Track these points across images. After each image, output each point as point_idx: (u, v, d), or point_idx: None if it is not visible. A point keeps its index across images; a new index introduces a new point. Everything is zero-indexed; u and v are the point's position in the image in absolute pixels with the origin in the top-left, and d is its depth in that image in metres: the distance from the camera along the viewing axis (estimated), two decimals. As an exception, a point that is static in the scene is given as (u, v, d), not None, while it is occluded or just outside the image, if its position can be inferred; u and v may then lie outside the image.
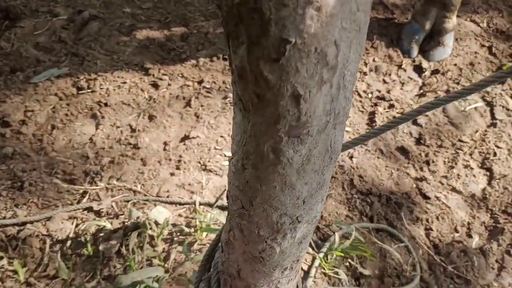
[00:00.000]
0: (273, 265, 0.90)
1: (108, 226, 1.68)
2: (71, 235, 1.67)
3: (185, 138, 2.00)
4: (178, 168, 1.89)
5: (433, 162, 2.00)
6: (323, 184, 0.74)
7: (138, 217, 1.69)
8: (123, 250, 1.61)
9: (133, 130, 2.01)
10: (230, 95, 2.14)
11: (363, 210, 1.82)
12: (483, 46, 2.53)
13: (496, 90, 2.30)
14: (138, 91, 2.17)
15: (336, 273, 1.61)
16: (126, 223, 1.70)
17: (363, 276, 1.65)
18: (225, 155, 1.94)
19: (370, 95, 2.27)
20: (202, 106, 2.12)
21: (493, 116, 2.20)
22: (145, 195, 1.80)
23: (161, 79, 2.22)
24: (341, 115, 0.60)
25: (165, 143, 1.98)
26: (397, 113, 2.19)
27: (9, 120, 1.98)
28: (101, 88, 2.15)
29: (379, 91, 2.29)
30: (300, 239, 0.86)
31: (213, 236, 1.67)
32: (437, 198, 1.89)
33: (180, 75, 2.25)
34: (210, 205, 1.78)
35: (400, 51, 2.44)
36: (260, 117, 0.56)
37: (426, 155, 2.03)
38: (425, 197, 1.89)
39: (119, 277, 1.50)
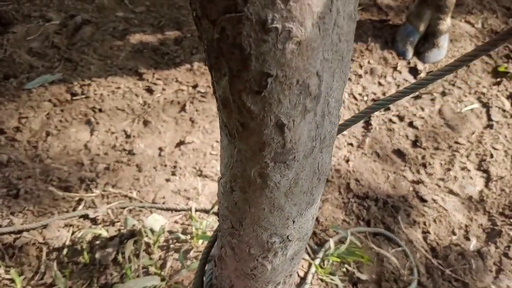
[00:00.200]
0: (265, 281, 0.89)
1: (104, 233, 1.67)
2: (67, 243, 1.66)
3: (180, 143, 2.00)
4: (173, 174, 1.89)
5: (429, 164, 2.00)
6: (312, 203, 0.74)
7: (134, 225, 1.68)
8: (120, 258, 1.61)
9: (128, 136, 2.00)
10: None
11: (360, 214, 1.82)
12: (478, 46, 2.52)
13: (492, 91, 2.29)
14: (132, 96, 2.16)
15: (333, 279, 1.61)
16: (122, 231, 1.69)
17: (361, 281, 1.64)
18: (220, 160, 1.94)
19: (365, 98, 2.26)
20: (197, 110, 2.11)
21: (489, 118, 2.19)
22: (141, 202, 1.80)
23: (155, 83, 2.21)
24: (327, 139, 0.59)
25: (160, 149, 1.97)
26: (393, 115, 2.18)
27: (3, 127, 1.97)
28: (95, 94, 2.14)
29: (375, 94, 2.28)
30: (292, 256, 0.86)
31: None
32: (434, 200, 1.88)
33: (175, 80, 2.24)
34: (206, 211, 1.77)
35: (395, 53, 2.43)
36: (245, 144, 0.56)
37: (423, 158, 2.02)
38: (422, 200, 1.89)
39: (115, 286, 1.50)
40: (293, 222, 0.73)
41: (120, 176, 1.86)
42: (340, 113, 0.61)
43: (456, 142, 2.08)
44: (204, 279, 1.10)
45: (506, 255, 1.74)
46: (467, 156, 2.04)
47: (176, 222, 1.75)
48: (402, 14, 2.64)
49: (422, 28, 2.40)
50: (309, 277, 1.61)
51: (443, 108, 2.22)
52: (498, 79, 2.36)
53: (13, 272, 1.55)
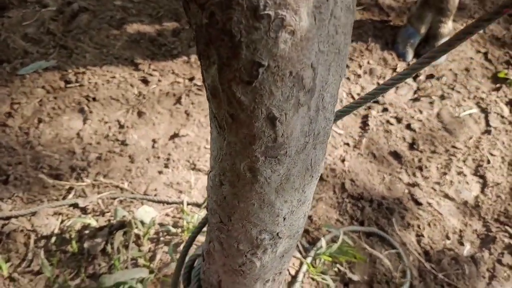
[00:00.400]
0: (254, 278, 0.87)
1: (94, 223, 1.65)
2: (56, 231, 1.64)
3: (175, 136, 1.97)
4: (166, 167, 1.86)
5: (426, 167, 1.98)
6: (304, 201, 0.72)
7: (124, 216, 1.66)
8: (108, 248, 1.59)
9: (121, 126, 1.98)
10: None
11: (353, 215, 1.80)
12: (478, 52, 2.50)
13: (491, 97, 2.27)
14: (127, 86, 2.13)
15: (324, 278, 1.60)
16: (112, 221, 1.67)
17: (352, 281, 1.63)
18: (214, 155, 1.91)
19: (364, 97, 2.24)
20: (192, 103, 2.09)
21: (487, 123, 2.17)
22: (132, 193, 1.77)
23: (151, 74, 2.19)
24: (321, 135, 0.57)
25: (154, 141, 1.95)
26: (391, 117, 2.16)
27: (-5, 112, 1.95)
28: (90, 82, 2.11)
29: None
30: (282, 253, 0.84)
31: (201, 238, 1.65)
32: (429, 204, 1.87)
33: (171, 72, 2.22)
34: (198, 205, 1.75)
35: (395, 54, 2.41)
36: (235, 137, 0.53)
37: (419, 161, 2.00)
38: (417, 203, 1.87)
39: (102, 277, 1.48)
40: (284, 219, 0.70)
41: (112, 166, 1.83)
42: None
43: (453, 147, 2.06)
44: (192, 274, 1.08)
45: (499, 261, 1.73)
46: (464, 161, 2.02)
47: (167, 215, 1.73)
48: (403, 15, 2.62)
49: (423, 30, 2.38)
50: (300, 275, 1.59)
51: (442, 112, 2.20)
52: (498, 85, 2.34)
53: (0, 258, 1.53)
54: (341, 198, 1.85)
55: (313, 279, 1.61)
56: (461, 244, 1.78)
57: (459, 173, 1.98)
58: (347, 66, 2.30)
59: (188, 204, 1.74)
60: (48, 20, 2.37)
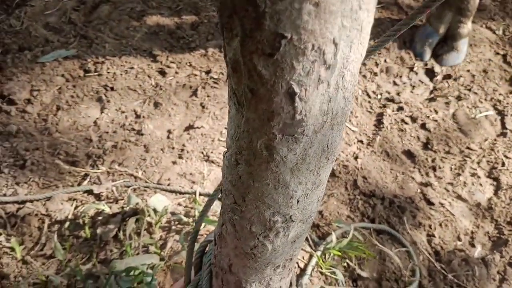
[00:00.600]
0: (264, 262, 0.88)
1: (107, 210, 1.68)
2: (69, 217, 1.67)
3: (190, 127, 1.99)
4: (180, 157, 1.88)
5: (439, 168, 1.97)
6: (318, 184, 0.72)
7: (137, 203, 1.68)
8: (121, 235, 1.61)
9: (137, 116, 2.00)
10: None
11: (365, 212, 1.80)
12: (497, 53, 2.48)
13: (508, 99, 2.25)
14: (145, 77, 2.16)
15: (333, 272, 1.60)
16: (125, 208, 1.69)
17: (361, 278, 1.63)
18: (228, 147, 1.93)
19: (379, 96, 2.23)
20: (208, 96, 2.10)
21: (503, 126, 2.15)
22: (146, 182, 1.80)
23: (168, 66, 2.21)
24: (339, 116, 0.58)
25: (169, 131, 1.97)
26: (406, 116, 2.15)
27: (14, 98, 1.98)
28: (108, 72, 2.14)
29: (389, 93, 2.25)
30: (294, 238, 0.84)
31: (211, 227, 1.66)
32: (442, 204, 1.86)
33: (188, 64, 2.24)
34: (210, 196, 1.76)
35: (412, 53, 2.40)
36: (254, 113, 0.54)
37: (433, 161, 1.99)
38: (429, 203, 1.86)
39: (114, 261, 1.50)
40: (298, 201, 0.71)
41: (127, 155, 1.86)
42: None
43: (468, 148, 2.05)
44: (204, 259, 1.09)
45: (511, 264, 1.71)
46: (478, 163, 2.00)
47: (179, 204, 1.75)
48: (422, 15, 2.60)
49: (442, 30, 2.37)
50: (309, 269, 1.60)
51: (457, 113, 2.19)
52: (516, 88, 2.32)
53: (14, 241, 1.56)
54: (353, 195, 1.85)
55: (321, 273, 1.61)
56: (472, 245, 1.77)
57: (472, 175, 1.96)
58: (364, 64, 2.30)
59: (200, 194, 1.76)
60: (69, 10, 2.41)
